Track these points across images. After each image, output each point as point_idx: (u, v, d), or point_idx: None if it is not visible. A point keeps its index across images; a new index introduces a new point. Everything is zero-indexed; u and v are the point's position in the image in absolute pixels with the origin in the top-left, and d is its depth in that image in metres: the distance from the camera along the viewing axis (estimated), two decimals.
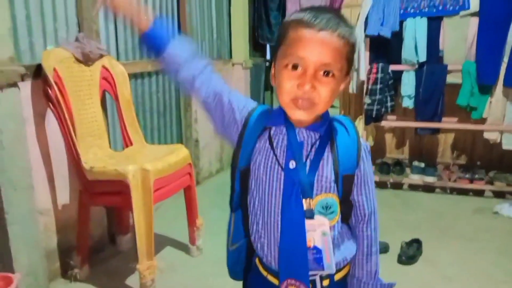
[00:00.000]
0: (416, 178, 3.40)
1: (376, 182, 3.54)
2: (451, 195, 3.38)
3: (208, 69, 1.00)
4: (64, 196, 2.19)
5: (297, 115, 0.84)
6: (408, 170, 3.52)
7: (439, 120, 3.30)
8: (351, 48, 0.83)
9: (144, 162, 1.96)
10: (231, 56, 4.12)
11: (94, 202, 2.09)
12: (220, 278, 2.11)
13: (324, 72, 0.81)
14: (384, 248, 2.37)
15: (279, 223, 0.89)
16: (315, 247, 0.88)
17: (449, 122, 3.41)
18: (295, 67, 0.82)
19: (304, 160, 0.87)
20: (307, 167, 0.87)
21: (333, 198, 0.89)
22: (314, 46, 0.80)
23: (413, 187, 3.50)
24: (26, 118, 1.87)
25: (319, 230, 0.88)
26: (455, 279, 2.15)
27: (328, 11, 0.83)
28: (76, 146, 1.96)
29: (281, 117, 0.90)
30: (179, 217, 2.44)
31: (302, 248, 0.87)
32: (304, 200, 0.87)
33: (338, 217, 0.91)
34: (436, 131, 3.43)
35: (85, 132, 2.11)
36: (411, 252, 2.34)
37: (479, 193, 3.33)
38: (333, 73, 0.81)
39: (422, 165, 3.44)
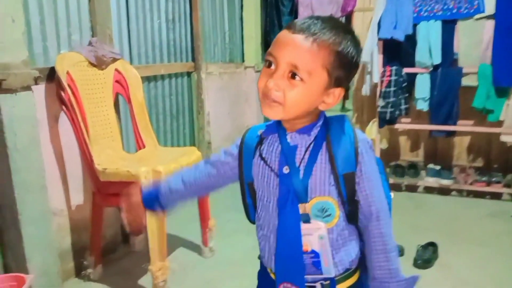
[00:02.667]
0: (431, 181, 3.34)
1: (390, 185, 3.48)
2: (468, 198, 3.32)
3: (193, 183, 1.05)
4: (77, 197, 2.21)
5: (266, 113, 0.85)
6: (423, 172, 3.47)
7: (454, 123, 3.24)
8: (335, 57, 0.81)
9: (157, 164, 1.98)
10: (243, 60, 4.14)
11: (107, 203, 2.11)
12: (232, 280, 2.11)
13: (290, 74, 0.81)
14: (400, 252, 2.34)
15: (276, 228, 0.90)
16: (313, 251, 0.88)
17: (464, 125, 3.35)
18: (269, 64, 0.84)
19: (298, 164, 0.88)
20: (301, 171, 0.87)
21: (328, 201, 0.88)
22: (285, 46, 0.81)
23: (428, 190, 3.44)
24: (40, 121, 1.90)
25: (316, 234, 0.88)
26: (472, 284, 2.10)
27: (325, 20, 0.82)
28: (89, 148, 1.99)
29: (274, 125, 0.92)
30: (192, 218, 2.45)
31: (298, 252, 0.87)
32: (300, 204, 0.87)
33: (336, 219, 0.89)
34: (451, 133, 3.37)
35: (98, 134, 2.13)
36: (426, 256, 2.30)
37: (496, 196, 3.25)
38: (300, 76, 0.80)
39: (438, 167, 3.39)
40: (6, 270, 1.77)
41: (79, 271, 2.17)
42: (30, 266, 1.76)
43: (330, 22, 0.82)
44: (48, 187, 1.88)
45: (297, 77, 0.80)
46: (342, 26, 0.84)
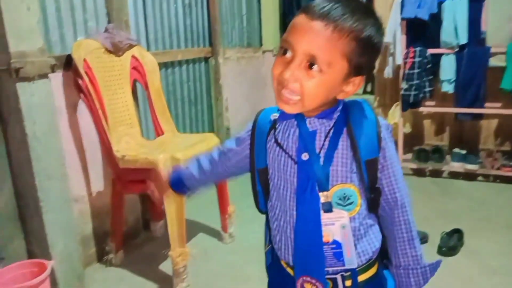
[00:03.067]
0: (457, 166, 3.24)
1: (413, 170, 3.42)
2: (495, 183, 3.20)
3: (209, 171, 1.07)
4: (98, 183, 2.23)
5: (282, 107, 0.81)
6: (448, 157, 3.37)
7: (481, 106, 3.11)
8: (356, 44, 0.75)
9: (175, 151, 1.97)
10: (261, 44, 4.08)
11: (126, 190, 2.11)
12: (252, 265, 2.11)
13: (308, 64, 0.75)
14: (423, 239, 2.28)
15: (294, 218, 0.86)
16: (334, 241, 0.85)
17: (492, 107, 3.22)
18: (285, 52, 0.78)
19: (317, 150, 0.83)
20: (322, 158, 0.83)
21: (350, 188, 0.84)
22: (303, 34, 0.75)
23: (453, 175, 3.34)
24: (58, 109, 1.91)
25: (338, 224, 0.84)
26: (500, 272, 2.03)
27: (345, 3, 0.76)
28: (108, 136, 1.99)
29: None
30: (212, 203, 2.44)
31: (318, 244, 0.84)
32: (320, 193, 0.83)
33: (358, 207, 0.86)
34: (478, 116, 3.25)
35: (117, 121, 2.13)
36: (452, 243, 2.23)
37: None
38: (319, 67, 0.75)
39: (463, 152, 3.28)
40: (30, 256, 1.80)
41: (101, 257, 2.20)
42: (52, 252, 1.78)
43: (350, 5, 0.75)
44: (68, 174, 1.90)
45: (315, 68, 0.75)
46: (363, 8, 0.77)
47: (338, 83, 0.79)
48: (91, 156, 2.18)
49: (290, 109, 0.80)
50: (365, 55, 0.77)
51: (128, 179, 2.04)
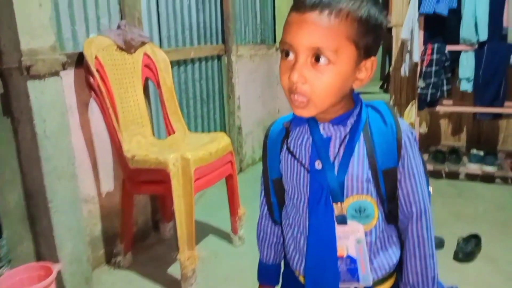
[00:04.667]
0: (474, 167, 3.15)
1: (429, 171, 3.31)
2: None
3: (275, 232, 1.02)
4: (108, 184, 2.20)
5: (298, 113, 0.75)
6: (465, 158, 3.28)
7: (501, 105, 3.01)
8: (358, 24, 0.70)
9: (185, 151, 1.93)
10: (275, 41, 4.01)
11: (136, 190, 2.09)
12: None
13: (314, 58, 0.70)
14: (439, 244, 2.21)
15: (307, 230, 0.81)
16: (349, 256, 0.80)
17: None
18: (287, 55, 0.73)
19: (332, 158, 0.78)
20: (336, 167, 0.78)
21: (366, 200, 0.79)
22: (299, 29, 0.70)
23: (470, 177, 3.25)
24: (69, 107, 1.88)
25: (352, 237, 0.79)
26: None
27: None
28: (118, 135, 1.96)
29: None
30: (222, 205, 2.40)
31: (332, 258, 0.79)
32: (334, 204, 0.78)
33: (375, 221, 0.80)
34: (497, 116, 3.16)
35: (128, 120, 2.10)
36: (469, 249, 2.16)
37: None
38: (327, 58, 0.70)
39: (481, 153, 3.19)
40: (39, 257, 1.78)
41: (109, 259, 2.18)
42: (61, 253, 1.75)
43: None
44: (78, 174, 1.87)
45: (322, 60, 0.70)
46: None
47: (350, 72, 0.73)
48: (101, 155, 2.15)
49: (305, 113, 0.75)
50: (370, 33, 0.72)
51: (138, 179, 2.01)
